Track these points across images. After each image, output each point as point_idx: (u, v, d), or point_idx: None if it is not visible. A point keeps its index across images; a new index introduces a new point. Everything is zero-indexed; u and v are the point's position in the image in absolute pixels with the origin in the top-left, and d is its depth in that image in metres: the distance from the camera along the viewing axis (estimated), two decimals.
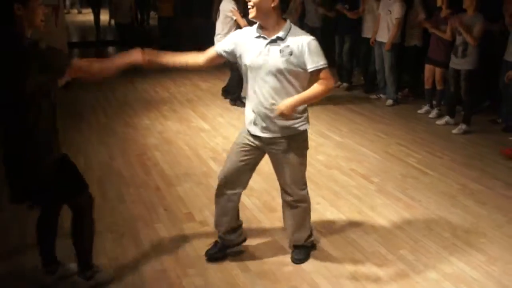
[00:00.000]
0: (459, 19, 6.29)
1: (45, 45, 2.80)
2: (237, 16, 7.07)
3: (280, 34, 3.13)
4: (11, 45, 2.73)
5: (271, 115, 3.20)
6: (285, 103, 3.09)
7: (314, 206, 4.46)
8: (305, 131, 3.40)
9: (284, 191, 3.55)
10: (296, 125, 3.31)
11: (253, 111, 3.29)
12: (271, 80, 3.16)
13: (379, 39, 7.78)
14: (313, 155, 5.69)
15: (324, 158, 5.62)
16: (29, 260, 3.59)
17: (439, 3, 6.85)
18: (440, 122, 6.91)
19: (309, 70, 3.13)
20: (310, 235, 3.71)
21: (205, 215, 4.27)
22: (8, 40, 2.74)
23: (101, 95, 8.34)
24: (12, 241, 3.90)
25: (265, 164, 5.42)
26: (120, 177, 5.08)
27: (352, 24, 8.47)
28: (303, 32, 3.22)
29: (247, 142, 3.40)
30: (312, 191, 4.76)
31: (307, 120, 3.38)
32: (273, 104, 3.16)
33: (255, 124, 3.31)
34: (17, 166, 2.92)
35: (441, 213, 4.39)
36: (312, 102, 3.28)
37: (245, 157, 3.43)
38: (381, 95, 8.15)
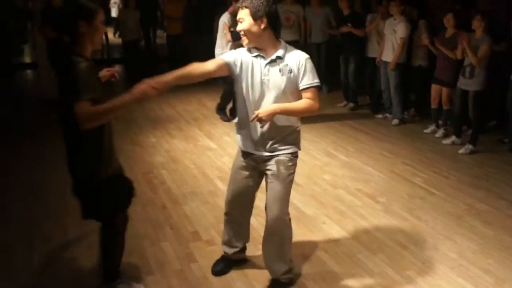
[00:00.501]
0: (467, 39, 6.32)
1: (85, 67, 2.81)
2: (226, 31, 7.16)
3: (279, 53, 3.18)
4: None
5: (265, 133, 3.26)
6: (265, 108, 3.08)
7: (320, 225, 4.48)
8: (294, 153, 3.38)
9: (266, 213, 3.45)
10: (284, 147, 3.31)
11: (250, 130, 3.31)
12: (270, 99, 3.17)
13: (384, 58, 7.81)
14: (319, 175, 5.70)
15: (330, 178, 5.63)
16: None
17: (446, 23, 6.89)
18: (446, 142, 6.91)
19: (302, 87, 3.17)
20: (289, 271, 3.54)
21: (211, 234, 4.27)
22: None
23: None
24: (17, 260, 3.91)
25: None
26: None
27: (356, 44, 8.51)
28: (298, 50, 3.27)
29: (244, 164, 3.43)
30: (318, 210, 4.79)
31: (296, 143, 3.38)
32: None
33: (252, 143, 3.34)
34: (74, 180, 3.11)
35: (448, 234, 4.38)
36: (292, 115, 3.24)
37: (245, 180, 3.45)
38: (387, 115, 8.17)
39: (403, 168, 5.98)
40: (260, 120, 3.06)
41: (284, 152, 3.32)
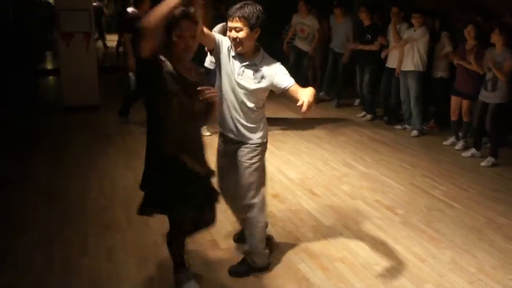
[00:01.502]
0: (492, 58, 6.30)
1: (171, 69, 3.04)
2: None
3: (256, 61, 3.51)
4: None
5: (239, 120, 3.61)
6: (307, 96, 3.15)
7: (338, 236, 4.48)
8: (259, 144, 3.68)
9: None
10: (250, 135, 3.65)
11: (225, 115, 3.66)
12: (239, 95, 3.54)
13: (404, 68, 7.79)
14: (337, 185, 5.69)
15: (348, 189, 5.61)
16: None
17: (466, 34, 6.85)
18: (466, 154, 6.86)
19: (288, 87, 3.43)
20: (252, 252, 3.81)
21: (230, 243, 4.28)
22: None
23: (129, 118, 8.47)
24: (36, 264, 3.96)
25: (288, 193, 5.45)
26: None
27: (372, 55, 8.50)
28: (272, 59, 3.57)
29: (222, 148, 3.85)
30: (336, 221, 4.79)
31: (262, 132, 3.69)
32: (237, 111, 3.57)
33: (226, 127, 3.72)
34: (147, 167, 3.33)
35: (467, 247, 4.34)
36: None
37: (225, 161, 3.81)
38: (406, 126, 8.13)
39: (422, 180, 5.94)
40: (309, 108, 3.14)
41: (249, 142, 3.65)
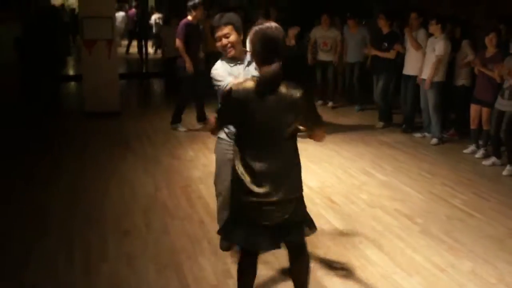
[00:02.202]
0: (507, 66, 6.27)
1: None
2: None
3: (248, 58, 3.67)
4: None
5: None
6: None
7: (356, 244, 4.46)
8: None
9: None
10: None
11: None
12: None
13: (424, 77, 7.74)
14: (356, 194, 5.68)
15: (367, 197, 5.59)
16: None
17: (487, 42, 6.81)
18: (487, 162, 6.80)
19: None
20: None
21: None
22: None
23: (147, 124, 8.56)
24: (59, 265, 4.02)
25: (307, 201, 5.42)
26: (164, 208, 5.17)
27: (387, 63, 8.48)
28: None
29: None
30: (354, 229, 4.78)
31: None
32: None
33: None
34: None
35: (488, 258, 4.30)
36: None
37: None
38: (426, 134, 8.08)
39: (442, 188, 5.90)
40: None
41: None
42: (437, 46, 7.40)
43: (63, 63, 15.85)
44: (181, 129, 8.21)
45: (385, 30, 8.48)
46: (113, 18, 9.05)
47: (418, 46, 7.86)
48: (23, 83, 9.00)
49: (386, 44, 8.39)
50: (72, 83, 12.88)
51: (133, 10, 20.05)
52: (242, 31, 3.69)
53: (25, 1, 15.22)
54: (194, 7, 7.83)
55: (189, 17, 7.93)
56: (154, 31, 17.56)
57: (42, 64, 10.86)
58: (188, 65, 7.83)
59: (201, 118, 8.48)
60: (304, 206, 3.13)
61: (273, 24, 2.97)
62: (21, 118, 8.71)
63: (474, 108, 7.11)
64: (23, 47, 9.15)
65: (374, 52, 8.57)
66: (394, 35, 8.51)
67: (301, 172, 3.07)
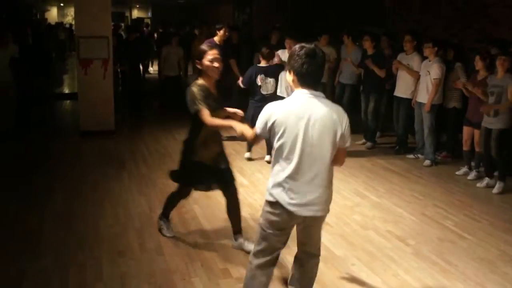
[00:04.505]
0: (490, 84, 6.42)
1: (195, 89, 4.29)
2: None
3: None
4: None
5: None
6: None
7: (349, 266, 4.50)
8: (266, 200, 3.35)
9: None
10: None
11: None
12: None
13: (419, 100, 7.84)
14: (349, 215, 5.72)
15: (360, 218, 5.64)
16: None
17: (475, 65, 6.93)
18: (481, 184, 6.84)
19: None
20: None
21: (241, 272, 4.30)
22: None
23: (143, 145, 8.59)
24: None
25: None
26: None
27: (377, 83, 8.58)
28: None
29: None
30: (347, 251, 4.81)
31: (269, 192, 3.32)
32: None
33: None
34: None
35: (479, 280, 4.34)
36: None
37: None
38: (419, 155, 8.15)
39: (434, 210, 5.95)
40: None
41: None
42: (432, 70, 7.51)
43: (59, 81, 15.94)
44: None
45: (370, 51, 8.61)
46: (109, 38, 9.11)
47: (415, 74, 7.96)
48: (17, 103, 9.05)
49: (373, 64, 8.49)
50: (68, 102, 12.93)
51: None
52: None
53: (21, 21, 15.35)
54: (219, 28, 8.80)
55: (215, 38, 8.82)
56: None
57: (37, 84, 10.92)
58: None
59: None
60: None
61: None
62: (15, 138, 8.71)
63: (466, 130, 7.20)
64: (19, 66, 9.19)
65: (368, 63, 8.54)
66: (380, 55, 8.65)
67: None
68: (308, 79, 3.17)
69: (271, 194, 3.25)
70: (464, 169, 7.39)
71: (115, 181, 6.66)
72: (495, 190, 6.56)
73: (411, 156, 8.26)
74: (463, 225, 5.53)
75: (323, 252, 4.68)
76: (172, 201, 5.01)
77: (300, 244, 3.56)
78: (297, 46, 3.21)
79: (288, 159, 3.16)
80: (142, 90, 11.85)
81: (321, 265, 4.43)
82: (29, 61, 11.16)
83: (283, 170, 3.18)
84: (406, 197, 6.38)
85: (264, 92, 7.45)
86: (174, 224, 5.28)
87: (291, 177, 3.17)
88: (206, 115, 4.18)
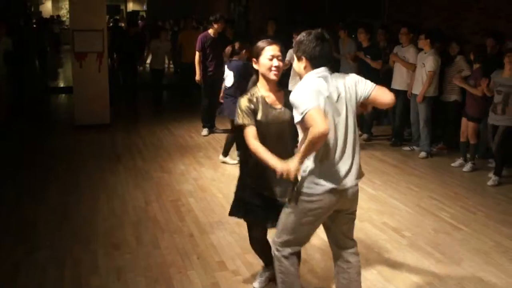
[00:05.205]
0: (494, 81, 6.41)
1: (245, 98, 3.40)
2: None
3: None
4: None
5: None
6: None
7: None
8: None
9: None
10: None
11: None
12: None
13: (414, 91, 7.84)
14: None
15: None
16: None
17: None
18: (491, 182, 6.63)
19: None
20: None
21: (237, 264, 4.32)
22: None
23: (138, 138, 8.58)
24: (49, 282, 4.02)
25: None
26: (155, 222, 5.19)
27: (373, 76, 8.53)
28: None
29: None
30: None
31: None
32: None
33: None
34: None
35: (474, 271, 4.35)
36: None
37: None
38: (414, 147, 8.16)
39: (429, 202, 5.97)
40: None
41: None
42: (427, 62, 7.50)
43: (53, 75, 15.88)
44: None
45: (365, 43, 8.60)
46: (104, 31, 9.08)
47: (411, 66, 7.95)
48: (12, 97, 9.03)
49: (369, 57, 8.47)
50: (63, 95, 12.89)
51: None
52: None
53: (15, 15, 15.25)
54: (215, 21, 8.54)
55: (209, 30, 8.68)
56: None
57: (31, 77, 10.87)
58: (198, 77, 8.52)
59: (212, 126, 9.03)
60: None
61: None
62: (10, 132, 8.69)
63: (464, 122, 7.19)
64: (13, 60, 9.16)
65: (361, 55, 8.53)
66: (375, 48, 8.65)
67: None
68: (322, 61, 3.14)
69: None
70: (459, 161, 7.39)
71: (110, 174, 6.65)
72: (490, 183, 6.56)
73: (407, 148, 8.26)
74: (458, 217, 5.54)
75: (319, 244, 4.72)
76: (255, 248, 3.92)
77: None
78: (303, 33, 3.18)
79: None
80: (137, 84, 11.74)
81: (317, 257, 4.46)
82: (23, 54, 11.11)
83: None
84: (402, 189, 6.39)
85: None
86: (169, 217, 5.28)
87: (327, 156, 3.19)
88: (249, 135, 3.30)
